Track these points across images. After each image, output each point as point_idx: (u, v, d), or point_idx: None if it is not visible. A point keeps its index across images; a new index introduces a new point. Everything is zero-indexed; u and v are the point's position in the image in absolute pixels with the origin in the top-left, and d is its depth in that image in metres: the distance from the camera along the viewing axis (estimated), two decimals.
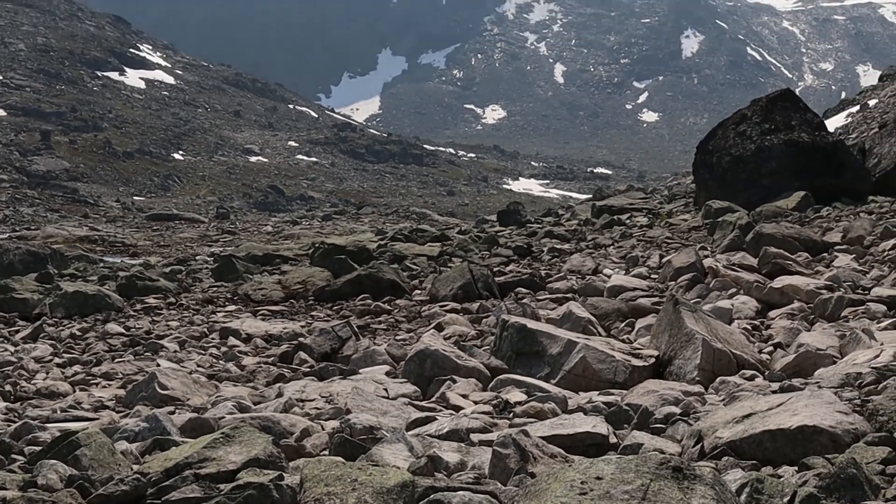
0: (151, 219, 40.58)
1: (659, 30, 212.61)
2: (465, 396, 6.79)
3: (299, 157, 76.48)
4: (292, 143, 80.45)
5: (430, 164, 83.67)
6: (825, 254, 11.94)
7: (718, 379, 6.68)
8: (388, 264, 14.79)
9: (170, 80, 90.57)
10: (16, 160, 54.02)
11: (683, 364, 6.99)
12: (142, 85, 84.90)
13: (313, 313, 12.35)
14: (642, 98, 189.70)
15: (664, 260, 12.71)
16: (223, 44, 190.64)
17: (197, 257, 23.08)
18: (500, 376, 7.20)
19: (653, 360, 7.30)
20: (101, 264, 21.84)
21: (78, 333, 11.41)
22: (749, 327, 8.76)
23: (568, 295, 11.66)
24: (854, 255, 11.55)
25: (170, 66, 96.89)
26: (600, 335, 8.63)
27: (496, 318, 9.72)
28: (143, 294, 14.21)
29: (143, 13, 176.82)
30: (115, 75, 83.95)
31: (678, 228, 16.74)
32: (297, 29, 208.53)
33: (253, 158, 72.38)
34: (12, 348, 10.55)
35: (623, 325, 9.58)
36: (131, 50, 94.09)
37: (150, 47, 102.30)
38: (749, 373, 6.85)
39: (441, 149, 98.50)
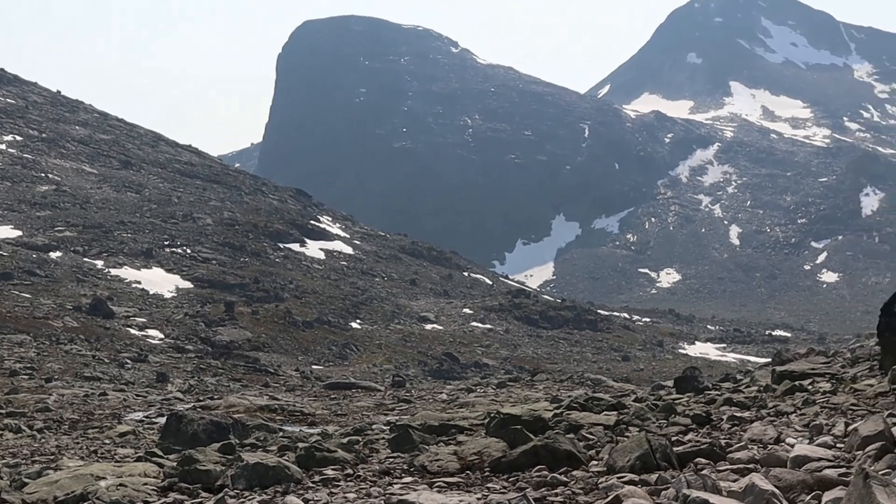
0: (329, 387, 41.09)
1: (837, 188, 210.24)
2: None
3: (474, 324, 77.00)
4: (467, 311, 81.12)
5: (604, 329, 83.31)
6: None
7: None
8: (564, 434, 14.64)
9: (348, 250, 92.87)
10: (201, 331, 55.78)
11: None
12: (321, 255, 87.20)
13: (489, 485, 12.25)
14: (821, 258, 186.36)
15: (850, 428, 12.26)
16: (399, 212, 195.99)
17: (373, 426, 23.24)
18: None
19: None
20: (281, 434, 22.20)
21: None
22: None
23: (749, 465, 11.32)
24: None
25: (348, 236, 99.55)
26: None
27: (675, 490, 9.51)
28: (322, 465, 14.33)
29: (324, 186, 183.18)
30: (296, 247, 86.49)
31: (864, 394, 16.14)
32: (472, 196, 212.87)
33: (428, 326, 73.15)
34: None
35: (809, 497, 9.21)
36: (312, 222, 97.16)
37: (330, 219, 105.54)
38: None
39: (615, 314, 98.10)
